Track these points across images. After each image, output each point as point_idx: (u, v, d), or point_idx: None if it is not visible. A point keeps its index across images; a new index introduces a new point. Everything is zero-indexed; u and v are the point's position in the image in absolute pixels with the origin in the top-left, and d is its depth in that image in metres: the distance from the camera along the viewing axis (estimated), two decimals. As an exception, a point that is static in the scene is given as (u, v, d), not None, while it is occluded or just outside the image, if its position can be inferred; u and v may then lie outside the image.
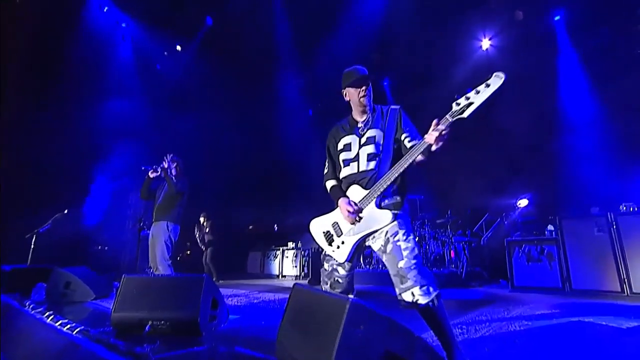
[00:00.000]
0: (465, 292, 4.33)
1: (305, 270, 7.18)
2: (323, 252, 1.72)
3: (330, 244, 1.66)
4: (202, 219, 6.63)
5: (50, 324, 1.81)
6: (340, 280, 1.64)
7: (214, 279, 5.66)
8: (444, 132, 1.44)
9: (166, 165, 3.53)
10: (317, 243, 1.69)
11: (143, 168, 3.47)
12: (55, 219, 5.43)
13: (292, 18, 7.13)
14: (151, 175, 3.48)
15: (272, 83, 9.12)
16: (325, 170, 1.85)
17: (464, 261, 4.96)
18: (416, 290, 1.45)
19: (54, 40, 6.98)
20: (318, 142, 9.98)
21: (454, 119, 1.44)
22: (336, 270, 1.65)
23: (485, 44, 6.93)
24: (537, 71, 5.99)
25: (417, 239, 6.05)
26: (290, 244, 7.53)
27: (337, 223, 1.66)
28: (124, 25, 8.47)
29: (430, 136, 1.45)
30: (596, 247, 3.76)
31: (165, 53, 9.37)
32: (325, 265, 1.71)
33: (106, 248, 8.71)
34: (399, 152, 1.66)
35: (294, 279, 7.20)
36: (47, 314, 2.02)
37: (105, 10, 7.71)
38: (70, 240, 7.60)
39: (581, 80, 6.01)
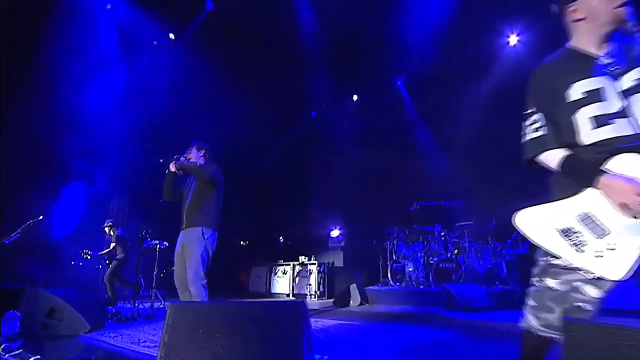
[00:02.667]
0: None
1: (322, 289, 6.66)
2: (543, 264, 1.22)
3: (578, 249, 1.15)
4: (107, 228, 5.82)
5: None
6: (586, 305, 1.13)
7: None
8: None
9: (191, 157, 3.00)
10: (540, 245, 1.18)
11: (161, 160, 2.92)
12: (25, 228, 4.74)
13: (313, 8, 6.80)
14: (172, 168, 2.94)
15: (273, 80, 8.69)
16: (536, 134, 1.28)
17: (518, 277, 4.61)
18: None
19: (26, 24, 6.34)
20: (324, 143, 9.64)
21: None
22: (581, 290, 1.15)
23: (513, 40, 6.78)
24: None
25: (456, 252, 5.77)
26: (302, 258, 7.01)
27: (591, 216, 1.15)
28: (109, 7, 7.89)
29: None
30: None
31: (155, 42, 8.81)
32: (550, 282, 1.19)
33: (80, 264, 7.90)
34: None
35: (309, 298, 6.66)
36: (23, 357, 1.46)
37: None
38: (35, 254, 6.82)
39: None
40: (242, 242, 9.33)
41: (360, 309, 5.12)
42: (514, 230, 5.48)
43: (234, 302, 2.48)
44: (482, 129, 5.86)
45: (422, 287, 5.50)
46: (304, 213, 8.20)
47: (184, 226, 2.95)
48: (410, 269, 5.79)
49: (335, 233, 7.39)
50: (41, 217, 4.89)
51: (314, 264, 6.85)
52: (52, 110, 6.97)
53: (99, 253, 5.29)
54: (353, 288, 5.56)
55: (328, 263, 6.94)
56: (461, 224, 5.46)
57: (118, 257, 5.25)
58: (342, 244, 7.35)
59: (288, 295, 7.05)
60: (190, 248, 2.83)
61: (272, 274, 7.33)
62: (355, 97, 8.92)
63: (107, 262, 5.21)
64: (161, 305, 3.89)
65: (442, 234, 5.65)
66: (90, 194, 8.32)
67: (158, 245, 4.04)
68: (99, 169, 8.21)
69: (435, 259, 5.66)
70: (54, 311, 2.97)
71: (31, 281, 7.12)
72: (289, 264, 7.16)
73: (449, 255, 5.55)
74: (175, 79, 8.46)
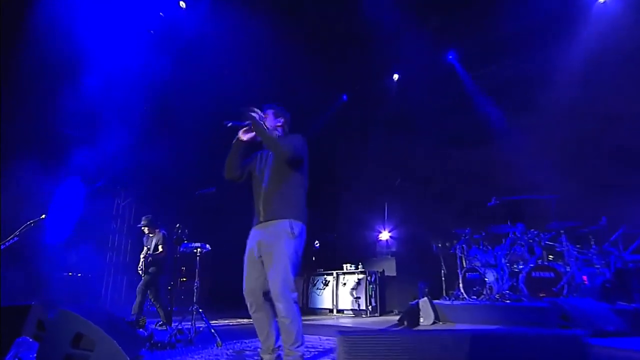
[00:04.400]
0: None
1: (374, 303, 6.04)
2: None
3: None
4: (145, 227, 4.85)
5: None
6: None
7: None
8: None
9: (265, 125, 2.41)
10: None
11: (230, 124, 2.35)
12: (25, 229, 4.19)
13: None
14: (243, 136, 2.37)
15: (299, 59, 8.08)
16: None
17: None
18: None
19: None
20: (361, 130, 8.97)
21: None
22: None
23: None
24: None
25: (551, 258, 5.11)
26: (348, 267, 6.40)
27: None
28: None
29: None
30: None
31: (161, 14, 8.25)
32: None
33: (79, 275, 7.33)
34: None
35: (357, 314, 6.05)
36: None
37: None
38: (25, 264, 6.29)
39: None
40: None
41: (439, 330, 4.49)
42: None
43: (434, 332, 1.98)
44: (575, 104, 5.23)
45: (509, 301, 4.87)
46: (345, 212, 7.58)
47: (260, 219, 2.33)
48: (490, 279, 5.15)
49: (384, 236, 6.77)
50: (44, 216, 4.35)
51: (363, 272, 6.23)
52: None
53: (143, 260, 4.57)
54: (424, 303, 4.94)
55: (378, 272, 6.32)
56: (556, 222, 4.81)
57: (151, 260, 4.56)
58: (394, 248, 6.74)
59: (331, 310, 6.44)
60: (276, 249, 2.21)
61: (311, 286, 6.72)
62: (396, 77, 8.32)
63: (141, 269, 4.58)
64: (204, 326, 3.27)
65: (530, 235, 5.01)
66: (89, 192, 7.76)
67: (199, 249, 3.44)
68: (99, 161, 7.62)
69: (523, 266, 5.03)
70: (81, 338, 2.37)
71: (19, 296, 6.57)
72: (331, 274, 6.55)
73: (540, 261, 4.92)
74: (191, 56, 7.84)
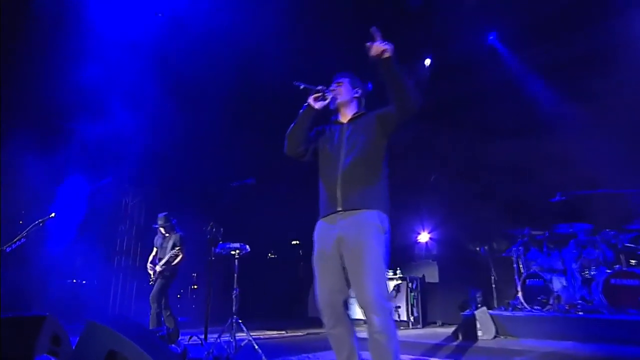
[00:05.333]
0: None
1: (415, 313, 5.61)
2: None
3: None
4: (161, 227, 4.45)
5: None
6: None
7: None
8: None
9: (341, 94, 2.06)
10: None
11: (302, 87, 1.99)
12: (32, 229, 3.89)
13: None
14: (315, 103, 2.00)
15: (325, 42, 7.67)
16: None
17: None
18: None
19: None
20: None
21: None
22: None
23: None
24: None
25: (634, 262, 4.65)
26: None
27: None
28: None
29: None
30: None
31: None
32: None
33: (83, 282, 6.99)
34: None
35: (397, 326, 5.62)
36: None
37: None
38: (21, 270, 5.96)
39: None
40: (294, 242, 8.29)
41: (506, 346, 4.07)
42: None
43: None
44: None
45: (582, 313, 4.42)
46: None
47: (337, 207, 1.93)
48: (557, 287, 4.71)
49: (423, 238, 6.35)
50: (53, 215, 4.03)
51: (402, 278, 5.80)
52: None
53: (159, 264, 4.16)
54: (482, 314, 4.51)
55: (419, 278, 5.89)
56: (639, 221, 4.37)
57: (174, 264, 4.17)
58: (434, 252, 6.32)
59: (364, 322, 6.00)
60: (365, 247, 1.81)
61: (342, 294, 6.30)
62: (428, 62, 7.91)
63: (151, 276, 4.20)
64: (246, 341, 2.86)
65: (605, 236, 4.57)
66: (93, 191, 7.43)
67: (238, 251, 3.05)
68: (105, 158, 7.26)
69: (596, 272, 4.58)
70: (114, 357, 1.99)
71: (24, 306, 6.21)
72: (365, 280, 6.13)
73: (618, 266, 4.47)
74: (197, 38, 7.38)
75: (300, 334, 5.33)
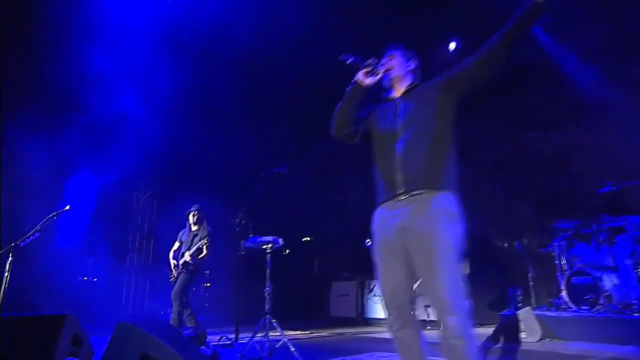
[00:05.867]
0: None
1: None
2: None
3: None
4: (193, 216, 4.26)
5: None
6: None
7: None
8: None
9: (392, 68, 1.87)
10: None
11: (350, 61, 1.78)
12: (46, 223, 3.78)
13: None
14: (364, 79, 1.85)
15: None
16: None
17: None
18: None
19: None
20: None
21: None
22: None
23: None
24: None
25: None
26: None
27: None
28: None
29: None
30: None
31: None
32: None
33: (94, 280, 6.87)
34: None
35: (428, 326, 5.39)
36: None
37: None
38: (29, 267, 5.87)
39: None
40: (306, 239, 8.08)
41: (558, 350, 3.81)
42: None
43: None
44: None
45: (638, 314, 4.14)
46: None
47: (398, 191, 1.70)
48: (607, 285, 4.43)
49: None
50: (68, 207, 3.89)
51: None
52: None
53: (183, 258, 3.98)
54: (526, 314, 4.26)
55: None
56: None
57: (200, 258, 3.98)
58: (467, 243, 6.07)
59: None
60: (436, 236, 1.58)
61: (366, 292, 6.11)
62: (452, 45, 7.61)
63: (173, 273, 4.04)
64: (282, 343, 2.65)
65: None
66: (103, 186, 7.30)
67: (270, 245, 2.85)
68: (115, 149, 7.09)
69: (652, 268, 4.29)
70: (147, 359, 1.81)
71: (32, 304, 6.10)
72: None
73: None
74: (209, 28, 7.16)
75: (324, 334, 5.15)
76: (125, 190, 7.06)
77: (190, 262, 3.95)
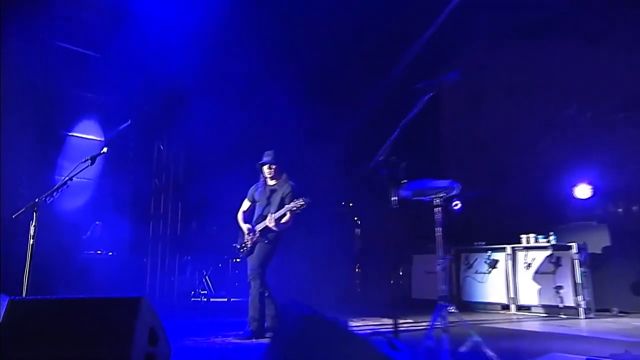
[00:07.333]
0: None
1: (587, 296, 4.27)
2: None
3: None
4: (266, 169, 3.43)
5: None
6: None
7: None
8: None
9: None
10: None
11: None
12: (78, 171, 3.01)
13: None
14: None
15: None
16: None
17: None
18: None
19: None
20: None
21: None
22: None
23: None
24: None
25: None
26: (532, 238, 4.63)
27: None
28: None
29: None
30: None
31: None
32: None
33: (111, 254, 5.94)
34: None
35: (556, 313, 4.36)
36: None
37: None
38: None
39: None
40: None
41: None
42: None
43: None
44: None
45: None
46: (513, 157, 5.60)
47: None
48: None
49: (583, 191, 4.86)
50: (105, 150, 3.20)
51: (563, 248, 4.41)
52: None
53: (263, 222, 3.33)
54: None
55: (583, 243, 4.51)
56: None
57: (284, 222, 3.30)
58: (600, 211, 4.89)
59: (506, 307, 4.74)
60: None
61: (464, 268, 5.04)
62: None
63: (246, 241, 3.33)
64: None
65: None
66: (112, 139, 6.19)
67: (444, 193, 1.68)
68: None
69: None
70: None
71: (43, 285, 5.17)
72: (502, 249, 4.79)
73: None
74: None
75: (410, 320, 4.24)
76: (141, 142, 5.93)
77: (274, 227, 3.21)
